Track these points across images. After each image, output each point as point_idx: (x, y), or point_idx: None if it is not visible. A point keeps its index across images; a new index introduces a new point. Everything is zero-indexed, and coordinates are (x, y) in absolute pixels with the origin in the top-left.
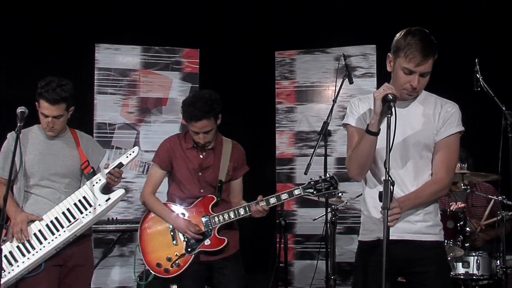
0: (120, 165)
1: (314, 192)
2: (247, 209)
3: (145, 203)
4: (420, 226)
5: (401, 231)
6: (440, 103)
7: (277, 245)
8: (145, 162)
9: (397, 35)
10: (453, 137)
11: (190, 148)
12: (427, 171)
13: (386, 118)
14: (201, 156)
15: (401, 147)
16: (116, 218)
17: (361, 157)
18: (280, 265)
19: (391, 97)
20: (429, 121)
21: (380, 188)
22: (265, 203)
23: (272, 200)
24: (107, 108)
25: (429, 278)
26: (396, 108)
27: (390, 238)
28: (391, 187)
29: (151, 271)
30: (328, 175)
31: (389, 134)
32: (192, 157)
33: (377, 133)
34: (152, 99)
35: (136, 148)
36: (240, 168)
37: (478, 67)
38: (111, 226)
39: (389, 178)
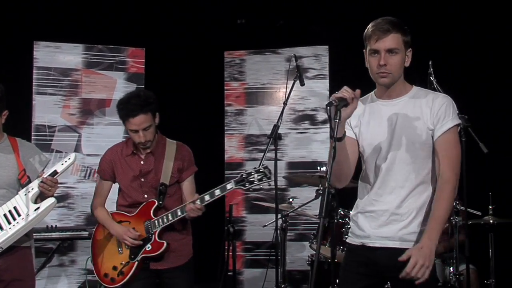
0: (55, 173)
1: (247, 185)
2: (183, 209)
3: (94, 215)
4: (403, 233)
5: (384, 238)
6: (432, 97)
7: (226, 253)
8: (87, 167)
9: None
10: (450, 132)
11: (130, 155)
12: (422, 172)
13: (362, 120)
14: (142, 162)
15: (392, 146)
16: (56, 225)
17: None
18: (229, 273)
19: (332, 102)
20: (422, 117)
21: (369, 193)
22: (199, 201)
23: (206, 197)
24: (47, 109)
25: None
26: (386, 106)
27: (373, 245)
28: (329, 197)
29: (100, 282)
30: (261, 166)
31: (334, 140)
32: (133, 163)
33: (341, 138)
34: (94, 100)
35: (73, 154)
36: (187, 169)
37: (431, 69)
38: (50, 234)
39: (328, 186)
